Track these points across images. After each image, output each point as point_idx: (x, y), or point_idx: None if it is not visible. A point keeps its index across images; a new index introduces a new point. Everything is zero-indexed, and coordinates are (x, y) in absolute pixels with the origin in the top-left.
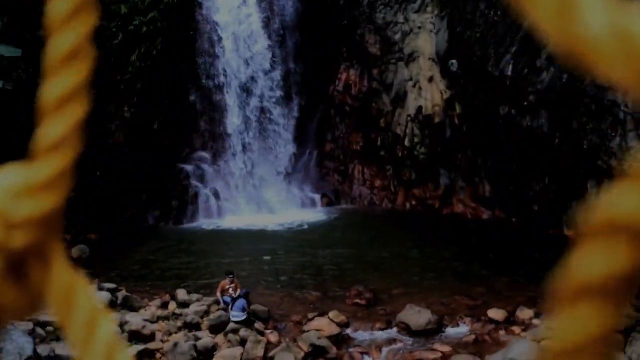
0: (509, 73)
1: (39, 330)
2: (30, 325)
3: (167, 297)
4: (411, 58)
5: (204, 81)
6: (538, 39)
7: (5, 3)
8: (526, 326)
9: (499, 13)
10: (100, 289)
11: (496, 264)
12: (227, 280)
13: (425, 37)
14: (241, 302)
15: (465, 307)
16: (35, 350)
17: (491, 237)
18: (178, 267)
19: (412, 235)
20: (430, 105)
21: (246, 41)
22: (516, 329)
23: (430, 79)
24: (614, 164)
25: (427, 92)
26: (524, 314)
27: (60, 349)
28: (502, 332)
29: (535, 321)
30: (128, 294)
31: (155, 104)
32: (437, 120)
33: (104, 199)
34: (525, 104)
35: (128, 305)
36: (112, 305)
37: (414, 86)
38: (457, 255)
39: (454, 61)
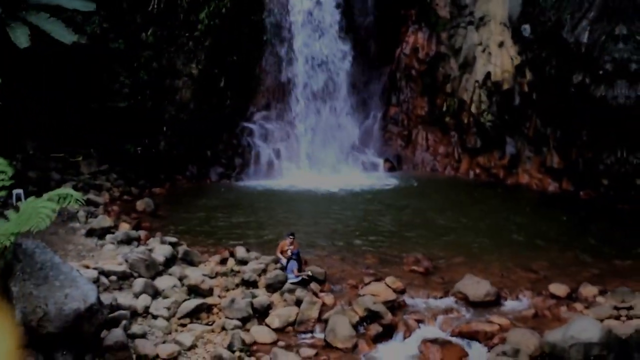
0: (585, 40)
1: (103, 279)
2: (95, 274)
3: (226, 254)
4: (482, 22)
5: (271, 40)
6: (617, 5)
7: None
8: (589, 303)
9: None
10: (163, 242)
11: (561, 237)
12: (287, 241)
13: (498, 0)
14: (292, 265)
15: (526, 280)
16: (98, 298)
17: (557, 209)
18: (238, 225)
19: (475, 204)
20: (499, 71)
21: (313, 3)
22: (578, 306)
23: (501, 44)
24: None
25: (496, 57)
26: (588, 290)
27: (122, 297)
28: (563, 308)
29: (600, 299)
30: (189, 249)
31: (223, 62)
32: (505, 87)
33: (170, 154)
34: (601, 72)
35: (188, 260)
36: (173, 259)
37: (483, 51)
38: (520, 226)
39: (526, 26)
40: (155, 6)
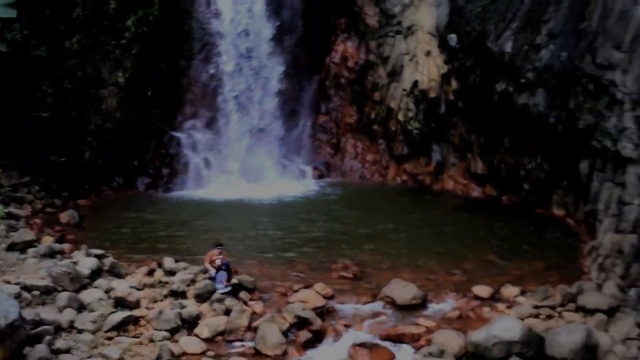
0: (508, 49)
1: (25, 294)
2: (17, 289)
3: (153, 265)
4: (410, 31)
5: (200, 48)
6: (539, 15)
7: None
8: (511, 303)
9: None
10: (88, 254)
11: (483, 241)
12: (216, 251)
13: (425, 10)
14: (221, 275)
15: (450, 283)
16: (20, 314)
17: (480, 214)
18: (166, 235)
19: (401, 210)
20: (426, 79)
21: (243, 11)
22: (500, 306)
23: (428, 53)
24: (608, 144)
25: (423, 66)
26: (509, 291)
27: (45, 313)
28: (486, 309)
29: (520, 299)
30: (115, 261)
31: (150, 70)
32: (432, 95)
33: (95, 164)
34: (523, 81)
35: (115, 272)
36: (99, 271)
37: (411, 60)
38: (445, 231)
39: (452, 35)
40: (80, 13)
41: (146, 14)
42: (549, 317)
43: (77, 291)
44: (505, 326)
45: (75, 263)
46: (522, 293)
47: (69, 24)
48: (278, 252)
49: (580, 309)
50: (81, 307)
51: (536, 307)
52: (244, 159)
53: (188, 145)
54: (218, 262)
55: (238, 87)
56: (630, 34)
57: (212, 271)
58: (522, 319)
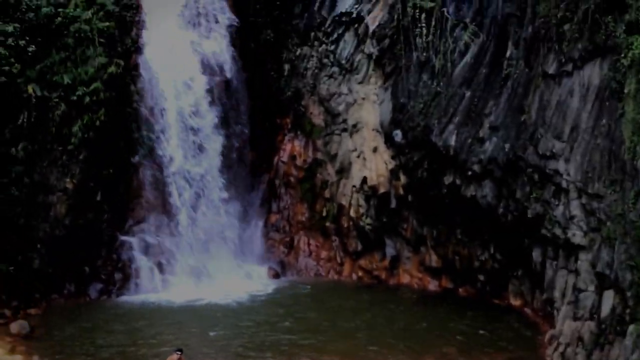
0: (452, 143)
1: None
2: None
3: None
4: (355, 129)
5: (147, 152)
6: (480, 109)
7: None
8: None
9: (441, 84)
10: None
11: (442, 335)
12: (175, 356)
13: (369, 108)
14: None
15: None
16: None
17: (436, 308)
18: (121, 343)
19: (359, 307)
20: (374, 175)
21: (191, 113)
22: None
23: (375, 149)
24: (558, 232)
25: (371, 162)
26: None
27: None
28: None
29: None
30: None
31: (98, 175)
32: (382, 190)
33: (45, 272)
34: (469, 173)
35: None
36: None
37: (358, 156)
38: (404, 327)
39: (398, 131)
40: (25, 120)
41: (92, 120)
42: None
43: None
44: None
45: None
46: None
47: (14, 131)
48: (235, 355)
49: None
50: None
51: None
52: (197, 260)
53: (140, 249)
54: None
55: (186, 190)
56: (569, 124)
57: None
58: None
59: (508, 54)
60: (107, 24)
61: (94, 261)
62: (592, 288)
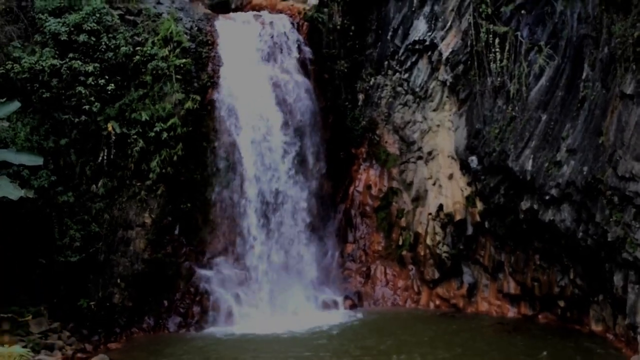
0: (529, 167)
1: None
2: None
3: None
4: (430, 156)
5: (225, 186)
6: (556, 133)
7: (26, 112)
8: None
9: (516, 108)
10: None
11: None
12: None
13: (444, 135)
14: None
15: None
16: None
17: (518, 336)
18: None
19: (438, 337)
20: (450, 202)
21: (268, 147)
22: None
23: (450, 176)
24: (639, 255)
25: (447, 189)
26: None
27: None
28: None
29: None
30: None
31: (176, 210)
32: (458, 217)
33: (125, 306)
34: (547, 198)
35: None
36: None
37: (434, 184)
38: (483, 355)
39: (473, 157)
40: (105, 157)
41: (170, 155)
42: None
43: None
44: None
45: None
46: None
47: (94, 168)
48: None
49: None
50: None
51: None
52: (275, 293)
53: (217, 282)
54: None
55: (264, 222)
56: None
57: None
58: None
59: (584, 75)
60: (184, 60)
61: (172, 295)
62: None
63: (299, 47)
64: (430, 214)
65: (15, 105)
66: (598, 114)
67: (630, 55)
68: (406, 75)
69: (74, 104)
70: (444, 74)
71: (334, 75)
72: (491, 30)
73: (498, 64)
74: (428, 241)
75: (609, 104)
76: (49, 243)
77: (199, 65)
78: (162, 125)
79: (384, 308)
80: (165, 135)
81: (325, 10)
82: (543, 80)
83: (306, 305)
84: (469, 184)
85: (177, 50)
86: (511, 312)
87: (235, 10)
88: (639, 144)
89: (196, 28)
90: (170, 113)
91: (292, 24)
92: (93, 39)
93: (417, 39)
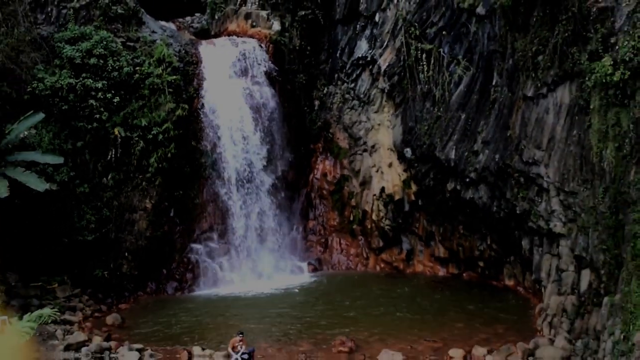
0: (453, 156)
1: None
2: None
3: (184, 354)
4: (373, 149)
5: (209, 175)
6: (473, 128)
7: (49, 121)
8: None
9: (441, 109)
10: (130, 349)
11: (453, 312)
12: (237, 338)
13: (384, 132)
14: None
15: (430, 349)
16: None
17: (446, 290)
18: (194, 329)
19: (383, 292)
20: (391, 185)
21: (244, 144)
22: None
23: (390, 165)
24: (542, 224)
25: (387, 175)
26: (479, 352)
27: None
28: None
29: (488, 357)
30: (153, 352)
31: (171, 196)
32: (397, 197)
33: (132, 274)
34: (467, 180)
35: None
36: None
37: (377, 171)
38: (420, 306)
39: (408, 149)
40: (113, 155)
41: (165, 153)
42: None
43: None
44: None
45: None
46: (490, 352)
47: (105, 164)
48: (286, 335)
49: None
50: None
51: None
52: (252, 261)
53: (205, 254)
54: (239, 347)
55: (243, 205)
56: (546, 136)
57: (234, 355)
58: None
59: (494, 82)
60: (175, 77)
61: (169, 264)
62: (572, 268)
63: (266, 64)
64: (374, 195)
65: (40, 116)
66: (506, 113)
67: (530, 66)
68: (352, 85)
69: (87, 114)
70: (382, 83)
71: (295, 86)
72: (419, 47)
73: (426, 74)
74: (374, 217)
75: (514, 104)
76: (69, 225)
77: (187, 80)
78: (158, 129)
79: (339, 271)
80: (161, 137)
81: (287, 34)
82: (461, 87)
83: (278, 271)
84: (405, 171)
85: (169, 69)
86: (441, 272)
87: (215, 36)
88: (539, 135)
89: (184, 51)
90: (164, 119)
91: (260, 45)
92: (101, 61)
93: (360, 55)
